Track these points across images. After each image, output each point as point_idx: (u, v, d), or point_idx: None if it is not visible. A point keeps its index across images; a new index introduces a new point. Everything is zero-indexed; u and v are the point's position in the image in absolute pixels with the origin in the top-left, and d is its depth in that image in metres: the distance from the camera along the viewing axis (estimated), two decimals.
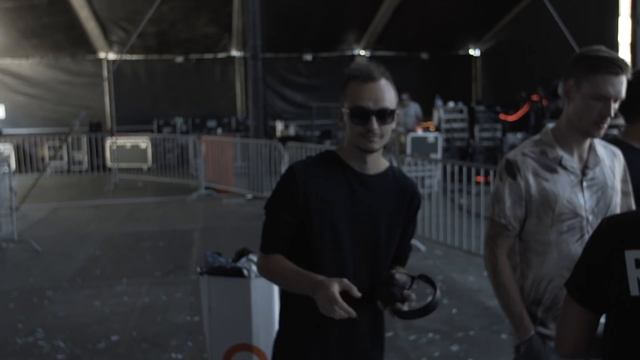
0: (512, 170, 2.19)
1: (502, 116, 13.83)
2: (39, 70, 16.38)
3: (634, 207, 2.22)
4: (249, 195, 11.07)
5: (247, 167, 11.19)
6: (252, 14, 10.92)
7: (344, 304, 1.75)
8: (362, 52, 17.49)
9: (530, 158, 2.19)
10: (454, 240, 7.11)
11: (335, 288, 1.77)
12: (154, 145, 15.74)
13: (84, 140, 15.68)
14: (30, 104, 16.43)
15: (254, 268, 3.50)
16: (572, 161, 2.17)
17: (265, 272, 2.05)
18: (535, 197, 2.16)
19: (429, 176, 9.84)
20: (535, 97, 12.64)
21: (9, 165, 8.72)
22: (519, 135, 12.02)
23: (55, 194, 12.32)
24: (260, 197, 10.85)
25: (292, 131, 15.06)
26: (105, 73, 16.37)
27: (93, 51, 16.38)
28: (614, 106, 2.06)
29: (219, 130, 16.17)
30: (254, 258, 3.59)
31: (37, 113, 16.41)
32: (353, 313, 1.76)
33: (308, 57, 17.32)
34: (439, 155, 11.47)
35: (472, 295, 5.82)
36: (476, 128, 13.56)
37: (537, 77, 13.15)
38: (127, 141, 15.28)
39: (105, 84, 16.57)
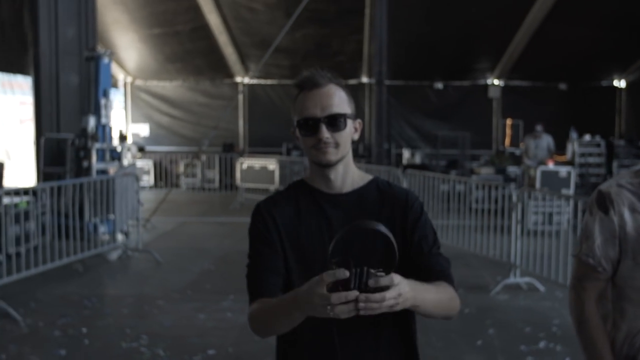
0: (604, 203, 1.89)
1: None
2: (181, 93, 17.42)
3: None
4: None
5: None
6: (379, 40, 10.93)
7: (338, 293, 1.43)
8: (496, 82, 16.95)
9: (628, 190, 1.88)
10: None
11: (317, 279, 1.45)
12: (282, 167, 16.15)
13: (217, 159, 16.39)
14: (171, 124, 17.49)
15: None
16: None
17: (254, 322, 1.74)
18: (631, 236, 1.84)
19: (557, 212, 9.25)
20: None
21: (137, 181, 9.19)
22: None
23: (185, 209, 12.93)
24: None
25: (418, 159, 14.83)
26: (240, 96, 17.08)
27: (230, 75, 17.16)
28: None
29: None
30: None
31: (177, 132, 17.43)
32: (353, 294, 1.40)
33: (439, 85, 17.05)
34: (570, 191, 10.76)
35: None
36: (614, 164, 12.59)
37: None
38: (256, 162, 15.76)
39: (240, 107, 17.33)
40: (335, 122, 1.73)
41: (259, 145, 17.04)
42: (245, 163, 15.18)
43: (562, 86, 16.68)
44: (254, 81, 16.93)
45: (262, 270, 1.76)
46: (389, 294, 1.42)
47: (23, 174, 11.60)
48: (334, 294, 1.41)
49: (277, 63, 15.65)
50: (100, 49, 10.09)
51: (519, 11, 13.83)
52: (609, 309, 1.95)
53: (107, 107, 9.66)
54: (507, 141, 16.76)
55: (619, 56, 15.55)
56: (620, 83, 16.90)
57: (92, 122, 9.44)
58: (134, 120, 17.65)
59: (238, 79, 17.31)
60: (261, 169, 15.89)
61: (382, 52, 10.99)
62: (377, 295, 1.41)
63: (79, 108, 10.28)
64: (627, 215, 1.85)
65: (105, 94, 9.65)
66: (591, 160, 13.14)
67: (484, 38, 14.95)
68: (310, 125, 1.73)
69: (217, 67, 16.67)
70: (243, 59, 16.41)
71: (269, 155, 16.15)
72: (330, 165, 1.75)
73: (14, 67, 12.94)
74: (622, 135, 15.14)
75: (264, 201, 1.84)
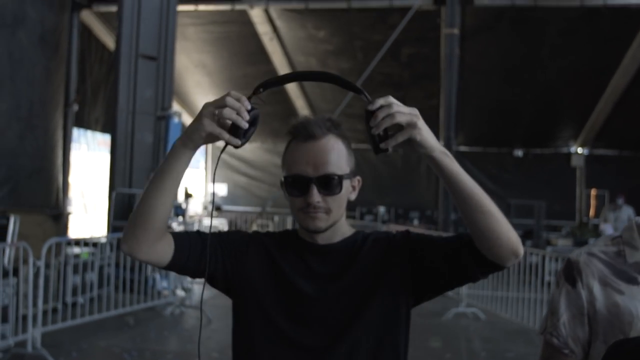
0: (571, 274, 1.63)
1: None
2: (259, 154, 17.79)
3: None
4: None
5: None
6: (448, 105, 10.78)
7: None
8: (580, 150, 16.25)
9: (599, 260, 1.62)
10: None
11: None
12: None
13: (289, 221, 16.47)
14: (248, 185, 17.84)
15: None
16: None
17: (128, 224, 1.47)
18: (602, 315, 1.57)
19: None
20: None
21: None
22: None
23: None
24: (442, 295, 10.28)
25: None
26: None
27: None
28: None
29: (416, 222, 15.95)
30: None
31: (253, 193, 17.73)
32: (241, 97, 1.34)
33: (519, 152, 16.54)
34: None
35: None
36: None
37: None
38: None
39: None
40: (329, 184, 1.50)
41: None
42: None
43: None
44: None
45: (187, 238, 1.56)
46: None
47: (95, 226, 12.06)
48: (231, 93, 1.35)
49: (353, 127, 15.68)
50: (172, 109, 10.49)
51: (602, 76, 13.32)
52: None
53: None
54: (592, 212, 15.92)
55: None
56: None
57: None
58: (213, 180, 18.15)
59: None
60: None
61: (451, 117, 10.82)
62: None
63: (150, 165, 10.66)
64: (596, 289, 1.59)
65: None
66: None
67: (565, 104, 14.45)
68: (299, 185, 1.51)
69: None
70: None
71: None
72: (318, 232, 1.55)
73: (103, 126, 13.75)
74: None
75: (258, 232, 1.71)
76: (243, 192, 17.89)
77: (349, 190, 1.59)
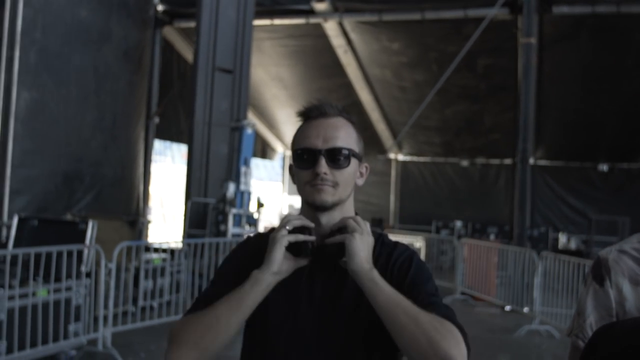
0: (599, 272, 1.53)
1: None
2: None
3: None
4: (508, 307, 10.26)
5: (505, 274, 10.43)
6: (524, 116, 10.48)
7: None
8: None
9: (631, 257, 1.51)
10: None
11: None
12: (429, 245, 15.79)
13: None
14: None
15: None
16: None
17: (180, 334, 1.44)
18: (631, 313, 1.47)
19: None
20: None
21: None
22: None
23: None
24: (515, 311, 9.97)
25: (573, 245, 13.74)
26: (393, 173, 17.17)
27: (384, 151, 17.34)
28: None
29: (492, 237, 15.54)
30: None
31: None
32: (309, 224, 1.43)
33: (604, 167, 15.85)
34: None
35: None
36: None
37: None
38: (403, 239, 15.59)
39: (392, 183, 17.39)
40: (337, 157, 1.50)
41: (409, 222, 16.89)
42: (393, 239, 15.06)
43: None
44: (407, 158, 16.96)
45: (206, 302, 1.51)
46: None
47: (173, 234, 12.45)
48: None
49: (429, 141, 15.62)
50: (245, 120, 10.73)
51: None
52: None
53: (247, 174, 10.16)
54: None
55: None
56: None
57: (231, 188, 9.96)
58: (291, 192, 18.37)
59: (391, 155, 17.43)
60: None
61: (528, 129, 10.50)
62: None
63: (224, 176, 10.94)
64: (626, 288, 1.49)
65: (246, 163, 10.17)
66: None
67: None
68: (308, 157, 1.50)
69: (370, 142, 16.96)
70: (395, 135, 16.57)
71: (417, 232, 15.92)
72: (324, 207, 1.49)
73: (184, 138, 14.25)
74: None
75: (254, 235, 1.65)
76: None
77: (357, 173, 1.58)
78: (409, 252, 1.57)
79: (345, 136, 1.53)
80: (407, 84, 13.95)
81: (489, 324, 9.27)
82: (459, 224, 16.55)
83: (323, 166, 1.47)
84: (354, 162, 1.54)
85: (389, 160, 17.58)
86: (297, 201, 18.35)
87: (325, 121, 1.53)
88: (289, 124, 16.81)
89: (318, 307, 1.48)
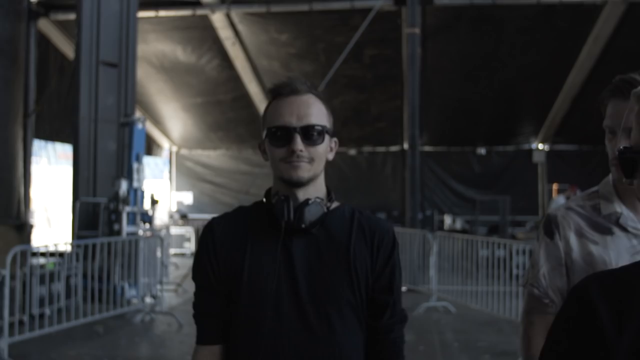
0: (549, 227, 1.70)
1: None
2: (224, 161, 17.69)
3: None
4: (404, 288, 10.63)
5: (401, 258, 10.82)
6: (412, 104, 10.88)
7: None
8: (540, 146, 16.58)
9: (576, 213, 1.70)
10: None
11: None
12: None
13: None
14: (214, 192, 17.71)
15: None
16: (637, 220, 1.63)
17: None
18: (578, 264, 1.65)
19: None
20: None
21: (161, 242, 9.23)
22: None
23: None
24: (413, 290, 10.37)
25: (458, 225, 14.47)
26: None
27: None
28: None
29: None
30: None
31: (220, 200, 17.59)
32: None
33: (482, 150, 16.80)
34: None
35: None
36: None
37: None
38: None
39: None
40: (311, 134, 1.54)
41: None
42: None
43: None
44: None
45: (201, 314, 1.60)
46: None
47: (59, 237, 11.83)
48: None
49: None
50: (135, 116, 10.37)
51: (559, 73, 13.62)
52: None
53: (140, 171, 9.82)
54: None
55: None
56: None
57: (124, 186, 9.59)
58: (178, 189, 17.97)
59: None
60: None
61: (415, 117, 10.90)
62: None
63: (114, 173, 10.51)
64: (573, 240, 1.67)
65: (138, 159, 9.84)
66: None
67: (525, 101, 14.73)
68: (283, 135, 1.54)
69: (259, 135, 16.82)
70: None
71: None
72: (300, 183, 1.54)
73: (64, 137, 13.51)
74: None
75: (216, 218, 1.64)
76: (209, 199, 17.75)
77: (328, 148, 1.62)
78: (392, 238, 1.65)
79: (317, 113, 1.58)
80: (295, 75, 14.02)
81: None
82: None
83: (299, 144, 1.52)
84: (326, 138, 1.59)
85: None
86: (185, 198, 18.00)
87: (298, 98, 1.57)
88: (175, 120, 16.43)
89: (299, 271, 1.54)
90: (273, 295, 1.50)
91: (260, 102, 15.30)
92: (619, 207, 1.64)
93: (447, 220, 15.40)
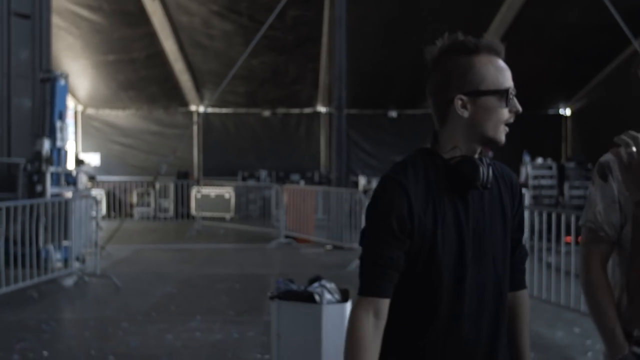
0: (603, 171, 1.96)
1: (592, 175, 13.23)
2: (133, 121, 17.13)
3: None
4: (329, 246, 10.94)
5: (328, 217, 11.10)
6: (339, 66, 11.04)
7: None
8: None
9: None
10: (542, 294, 6.65)
11: None
12: (238, 195, 16.07)
13: (171, 188, 16.14)
14: (123, 153, 17.14)
15: (327, 295, 3.33)
16: None
17: (353, 338, 1.55)
18: (629, 200, 1.90)
19: None
20: None
21: (96, 204, 8.97)
22: None
23: (139, 237, 12.61)
24: (340, 247, 10.69)
25: (374, 186, 14.92)
26: (195, 125, 16.93)
27: (185, 104, 16.99)
28: None
29: (302, 183, 16.25)
30: (327, 284, 3.42)
31: (129, 162, 17.07)
32: None
33: (393, 113, 17.31)
34: (526, 212, 10.97)
35: (560, 351, 5.38)
36: (566, 185, 13.03)
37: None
38: (212, 191, 15.63)
39: (195, 135, 17.18)
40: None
41: (214, 174, 16.85)
42: (201, 192, 15.02)
43: None
44: (209, 109, 16.81)
45: (385, 266, 1.56)
46: None
47: None
48: None
49: (232, 90, 15.59)
50: (56, 71, 9.86)
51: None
52: (618, 274, 1.99)
53: (63, 129, 9.42)
54: None
55: (564, 85, 16.12)
56: (566, 111, 17.50)
57: (46, 145, 9.16)
58: (84, 149, 17.23)
59: (193, 108, 17.16)
60: (217, 197, 15.77)
61: (342, 79, 11.09)
62: None
63: (31, 132, 9.99)
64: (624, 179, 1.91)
65: (61, 117, 9.41)
66: (544, 182, 13.56)
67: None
68: (511, 98, 1.60)
69: (171, 95, 16.50)
70: (199, 86, 16.30)
71: (225, 183, 16.03)
72: (499, 146, 1.63)
73: None
74: (569, 159, 15.64)
75: (397, 175, 1.60)
76: (117, 161, 17.17)
77: None
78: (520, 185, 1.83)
79: None
80: (216, 33, 13.78)
81: (319, 262, 9.85)
82: (264, 173, 16.99)
83: (519, 107, 1.62)
84: None
85: (191, 113, 17.30)
86: (92, 159, 17.29)
87: (503, 61, 1.64)
88: (82, 78, 15.65)
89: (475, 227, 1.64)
90: (464, 249, 1.60)
91: (175, 60, 14.92)
92: None
93: (362, 180, 15.83)
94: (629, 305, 1.94)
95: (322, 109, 17.41)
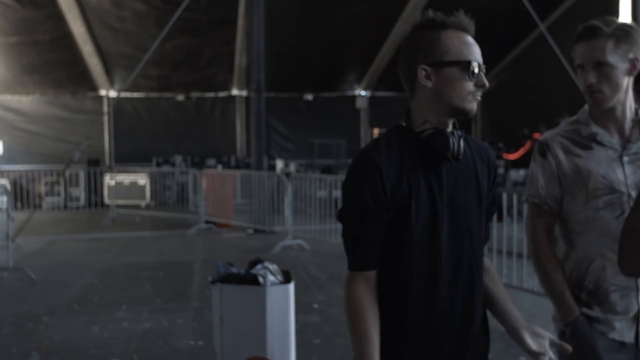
0: (542, 149, 2.10)
1: (504, 155, 13.79)
2: (38, 107, 16.31)
3: None
4: (250, 230, 10.88)
5: (249, 201, 11.02)
6: (257, 48, 10.93)
7: None
8: (363, 93, 17.55)
9: (562, 136, 2.10)
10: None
11: None
12: (153, 182, 15.64)
13: (82, 176, 15.52)
14: (28, 140, 16.31)
15: (270, 277, 3.32)
16: (610, 137, 2.04)
17: (350, 304, 1.64)
18: (567, 174, 2.05)
19: None
20: (537, 135, 12.59)
21: (6, 193, 8.50)
22: (522, 172, 11.91)
23: (51, 228, 12.08)
24: (262, 231, 10.66)
25: (292, 169, 14.95)
26: (106, 110, 16.33)
27: (94, 88, 16.35)
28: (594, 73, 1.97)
29: (219, 167, 16.05)
30: (270, 266, 3.41)
31: (35, 149, 16.26)
32: None
33: (309, 96, 17.36)
34: None
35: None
36: None
37: (539, 115, 13.16)
38: (125, 178, 15.14)
39: (105, 121, 16.56)
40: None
41: (127, 160, 16.37)
42: (114, 179, 14.53)
43: None
44: (121, 94, 16.24)
45: (365, 242, 1.63)
46: None
47: None
48: None
49: (145, 74, 15.12)
50: None
51: (386, 25, 14.42)
52: (561, 243, 2.14)
53: None
54: None
55: None
56: None
57: None
58: None
59: (103, 92, 16.53)
60: (131, 184, 15.28)
61: (260, 61, 10.99)
62: None
63: None
64: (562, 156, 2.06)
65: None
66: None
67: (352, 50, 15.41)
68: (475, 71, 1.62)
69: (79, 79, 15.82)
70: (109, 70, 15.71)
71: (139, 170, 15.57)
72: (471, 117, 1.67)
73: None
74: (483, 138, 16.22)
75: (370, 152, 1.63)
76: (22, 148, 16.31)
77: None
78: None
79: None
80: (127, 14, 13.28)
81: (242, 247, 9.80)
82: (179, 158, 16.65)
83: (486, 81, 1.65)
84: None
85: (100, 98, 16.66)
86: None
87: (471, 38, 1.67)
88: None
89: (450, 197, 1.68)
90: (438, 220, 1.64)
91: (84, 43, 14.29)
92: (595, 129, 2.05)
93: (279, 164, 15.82)
94: (574, 270, 2.07)
95: (238, 92, 17.21)
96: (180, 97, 17.10)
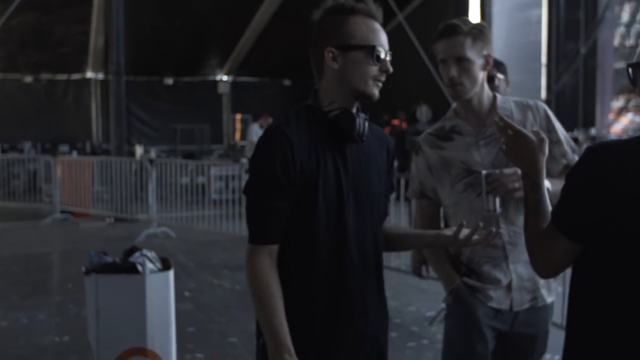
0: (416, 149, 2.35)
1: None
2: None
3: (569, 154, 2.26)
4: (110, 219, 10.45)
5: (110, 188, 10.55)
6: (116, 29, 10.45)
7: None
8: (225, 78, 17.37)
9: (431, 135, 2.34)
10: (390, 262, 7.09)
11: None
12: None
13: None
14: None
15: (149, 264, 3.23)
16: (468, 125, 2.25)
17: (255, 277, 1.64)
18: (435, 166, 2.29)
19: None
20: (395, 121, 13.16)
21: None
22: None
23: None
24: (124, 219, 10.27)
25: (153, 155, 14.50)
26: None
27: None
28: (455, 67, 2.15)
29: (74, 154, 15.20)
30: (148, 253, 3.31)
31: None
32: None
33: (169, 81, 16.90)
34: None
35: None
36: None
37: (397, 102, 13.71)
38: None
39: None
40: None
41: None
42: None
43: (287, 82, 17.62)
44: None
45: (270, 215, 1.65)
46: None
47: None
48: None
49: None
50: None
51: (249, 10, 14.34)
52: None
53: None
54: (238, 135, 17.33)
55: None
56: None
57: None
58: None
59: None
60: None
61: (120, 43, 10.52)
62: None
63: None
64: (430, 152, 2.30)
65: None
66: None
67: (215, 34, 15.19)
68: (380, 56, 1.68)
69: None
70: None
71: None
72: (374, 99, 1.72)
73: None
74: None
75: (281, 125, 1.67)
76: None
77: None
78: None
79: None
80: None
81: (103, 237, 9.38)
82: (27, 144, 15.58)
83: (390, 66, 1.71)
84: None
85: None
86: None
87: (379, 25, 1.73)
88: None
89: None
90: (344, 199, 1.69)
91: None
92: (455, 121, 2.29)
93: (139, 150, 15.27)
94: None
95: (93, 75, 16.37)
96: (29, 79, 15.98)
